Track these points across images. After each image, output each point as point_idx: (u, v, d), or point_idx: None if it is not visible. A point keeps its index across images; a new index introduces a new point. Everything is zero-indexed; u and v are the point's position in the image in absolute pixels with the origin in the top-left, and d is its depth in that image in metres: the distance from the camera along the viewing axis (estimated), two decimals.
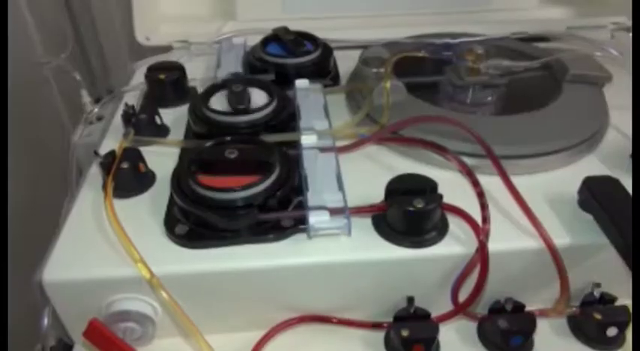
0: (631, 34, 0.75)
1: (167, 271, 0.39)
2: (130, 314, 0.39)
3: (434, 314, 0.42)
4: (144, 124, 0.52)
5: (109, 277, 0.39)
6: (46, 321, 0.41)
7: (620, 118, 0.54)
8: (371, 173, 0.48)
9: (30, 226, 0.67)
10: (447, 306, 0.42)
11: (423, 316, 0.42)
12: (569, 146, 0.49)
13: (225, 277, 0.40)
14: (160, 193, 0.45)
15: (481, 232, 0.40)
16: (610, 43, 0.63)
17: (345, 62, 0.65)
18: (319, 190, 0.43)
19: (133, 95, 0.62)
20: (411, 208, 0.40)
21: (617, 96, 0.56)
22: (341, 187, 0.43)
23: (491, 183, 0.45)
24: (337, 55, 0.66)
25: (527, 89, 0.59)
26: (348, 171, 0.46)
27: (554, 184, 0.46)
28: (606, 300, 0.43)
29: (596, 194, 0.42)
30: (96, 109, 0.63)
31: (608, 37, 0.76)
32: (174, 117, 0.56)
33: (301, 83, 0.57)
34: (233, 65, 0.64)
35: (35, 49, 0.74)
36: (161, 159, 0.49)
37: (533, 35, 0.71)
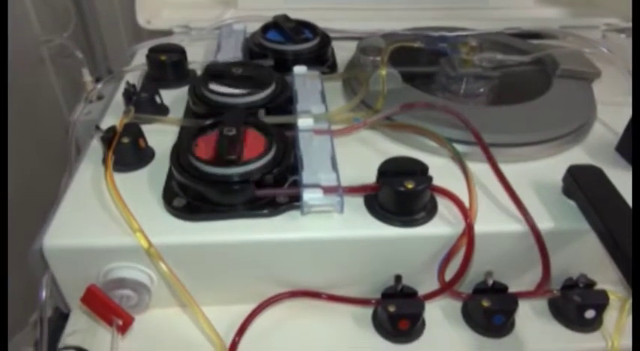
0: (622, 35, 0.77)
1: (164, 242, 0.40)
2: (127, 282, 0.40)
3: (420, 292, 0.43)
4: (144, 103, 0.53)
5: (107, 245, 0.40)
6: (44, 292, 0.42)
7: (607, 113, 0.56)
8: (364, 157, 0.49)
9: (26, 203, 0.68)
10: (433, 285, 0.44)
11: (409, 293, 0.43)
12: (557, 137, 0.50)
13: (220, 249, 0.41)
14: (158, 169, 0.47)
15: (468, 214, 0.42)
16: (601, 43, 0.64)
17: (343, 52, 0.66)
18: (314, 170, 0.44)
19: (133, 76, 0.63)
20: (401, 189, 0.41)
21: (605, 92, 0.58)
22: (335, 168, 0.45)
23: (480, 169, 0.46)
24: (335, 45, 0.67)
25: (519, 82, 0.61)
26: (342, 154, 0.47)
27: (540, 172, 0.48)
28: (586, 284, 0.44)
29: (579, 182, 0.44)
30: (99, 86, 0.64)
31: (599, 37, 0.78)
32: (174, 98, 0.58)
33: (299, 70, 0.58)
34: (233, 50, 0.65)
35: (33, 27, 0.74)
36: (160, 137, 0.50)
37: (526, 31, 0.72)
